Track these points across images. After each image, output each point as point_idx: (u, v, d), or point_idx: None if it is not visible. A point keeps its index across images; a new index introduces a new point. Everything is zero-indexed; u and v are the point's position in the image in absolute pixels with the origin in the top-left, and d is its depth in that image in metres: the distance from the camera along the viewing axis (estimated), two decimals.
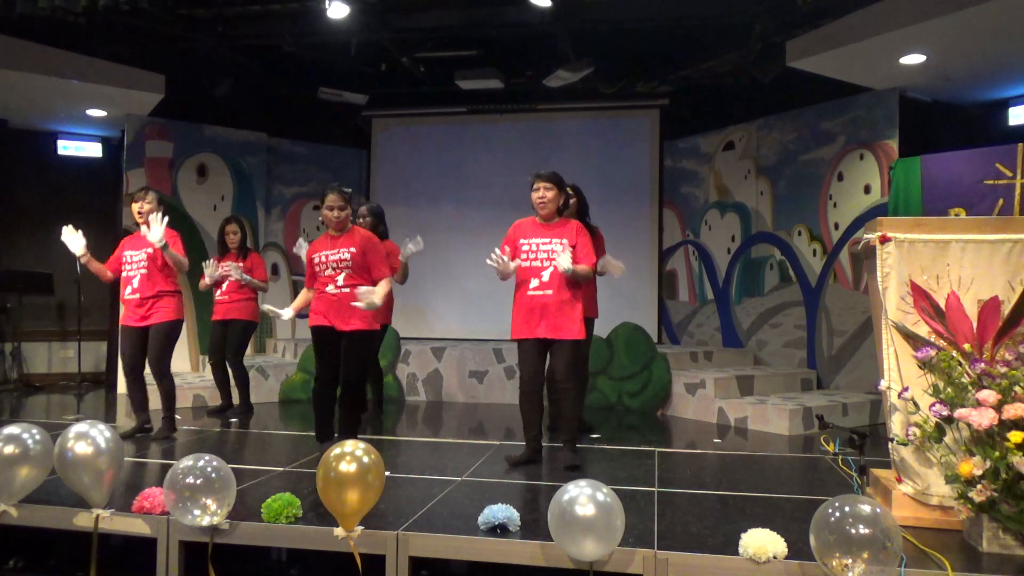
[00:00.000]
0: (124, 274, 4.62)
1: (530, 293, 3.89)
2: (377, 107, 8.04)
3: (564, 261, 3.73)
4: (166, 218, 4.41)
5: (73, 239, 4.41)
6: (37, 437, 3.07)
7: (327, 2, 5.29)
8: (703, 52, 6.55)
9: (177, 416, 4.80)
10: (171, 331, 4.62)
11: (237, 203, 7.56)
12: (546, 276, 3.87)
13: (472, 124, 8.23)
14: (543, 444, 4.15)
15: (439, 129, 8.34)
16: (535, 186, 3.95)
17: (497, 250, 3.89)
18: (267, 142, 7.86)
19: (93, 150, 7.87)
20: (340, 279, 4.05)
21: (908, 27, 4.88)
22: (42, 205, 7.68)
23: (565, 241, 3.89)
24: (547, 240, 3.92)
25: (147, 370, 4.66)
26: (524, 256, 3.92)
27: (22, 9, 4.98)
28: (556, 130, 8.12)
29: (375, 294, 3.91)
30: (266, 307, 4.20)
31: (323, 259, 4.09)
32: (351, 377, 4.11)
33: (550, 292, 3.85)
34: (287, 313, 4.13)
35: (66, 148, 7.77)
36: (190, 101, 7.11)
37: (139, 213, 4.54)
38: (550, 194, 3.92)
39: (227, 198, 7.57)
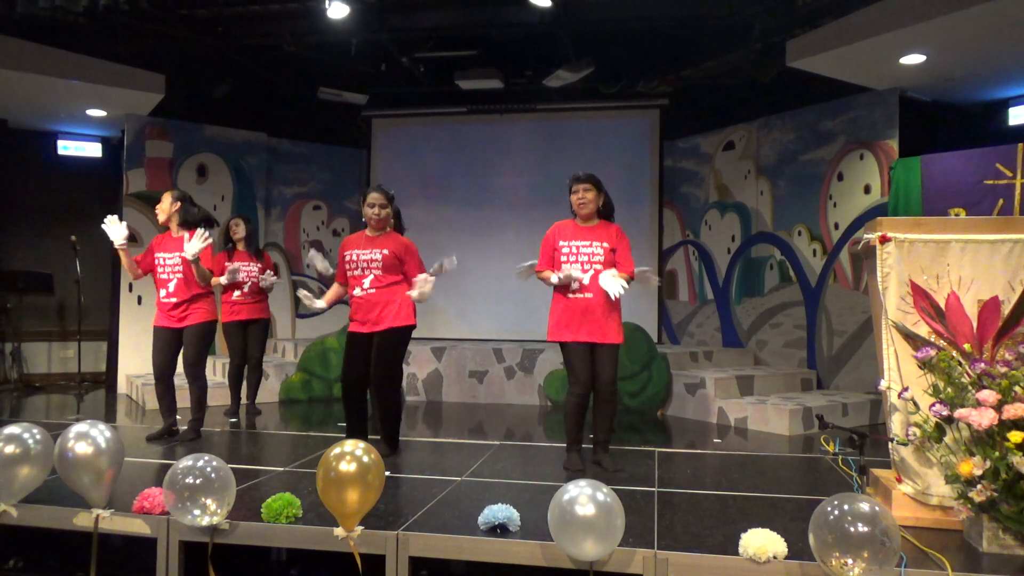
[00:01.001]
0: (158, 276, 4.63)
1: (571, 296, 3.85)
2: (377, 107, 8.03)
3: (614, 288, 3.68)
4: (210, 238, 4.42)
5: (115, 229, 4.44)
6: (37, 437, 3.07)
7: (327, 2, 5.29)
8: (703, 52, 6.55)
9: (178, 417, 4.79)
10: (206, 332, 4.65)
11: (237, 203, 7.56)
12: (586, 280, 3.82)
13: (472, 124, 8.22)
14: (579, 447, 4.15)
15: (439, 129, 8.34)
16: (574, 188, 3.91)
17: (527, 263, 3.91)
18: (267, 142, 7.86)
19: (93, 150, 7.88)
20: (367, 282, 4.11)
21: (908, 27, 4.88)
22: (42, 205, 7.69)
23: (607, 245, 3.85)
24: (587, 243, 3.87)
25: (175, 373, 4.69)
26: (564, 259, 3.89)
27: (22, 9, 4.98)
28: (556, 130, 8.12)
29: (428, 283, 4.02)
30: (301, 292, 4.26)
31: (354, 257, 4.15)
32: (381, 374, 4.13)
33: (591, 296, 3.81)
34: (320, 303, 4.19)
35: (66, 148, 7.78)
36: (190, 101, 7.12)
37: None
38: (589, 195, 3.88)
39: (227, 198, 7.57)
